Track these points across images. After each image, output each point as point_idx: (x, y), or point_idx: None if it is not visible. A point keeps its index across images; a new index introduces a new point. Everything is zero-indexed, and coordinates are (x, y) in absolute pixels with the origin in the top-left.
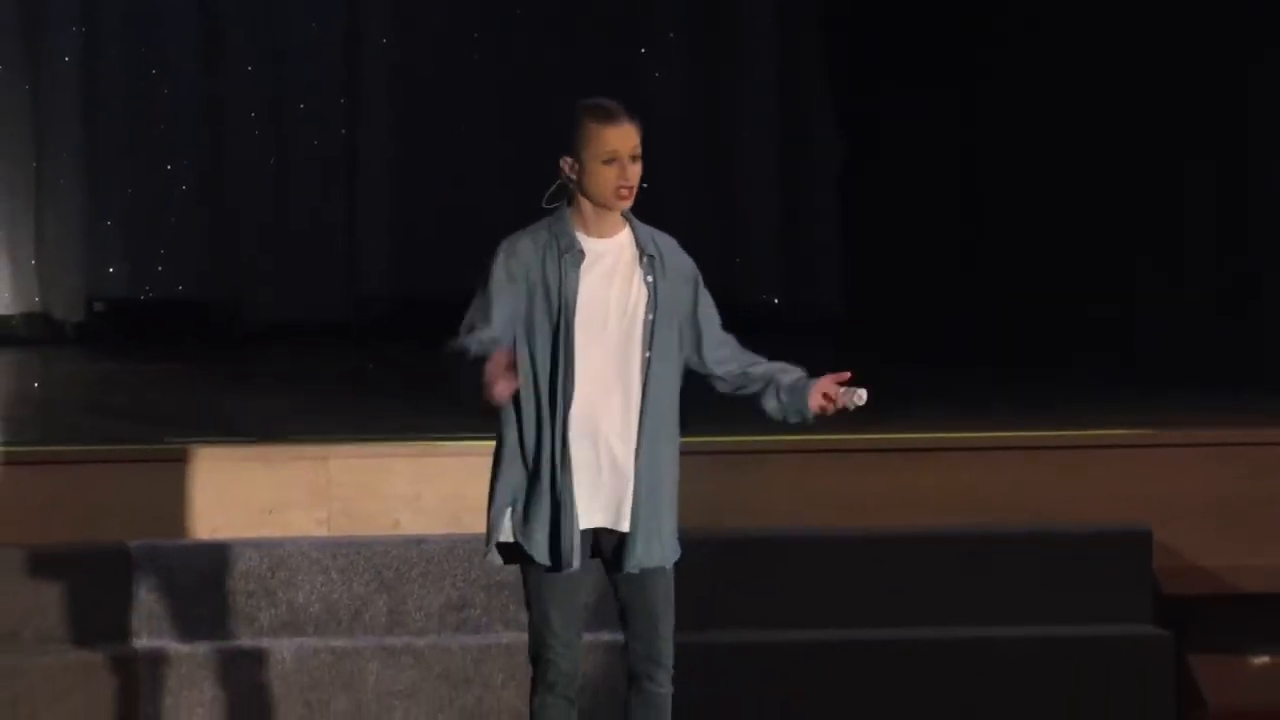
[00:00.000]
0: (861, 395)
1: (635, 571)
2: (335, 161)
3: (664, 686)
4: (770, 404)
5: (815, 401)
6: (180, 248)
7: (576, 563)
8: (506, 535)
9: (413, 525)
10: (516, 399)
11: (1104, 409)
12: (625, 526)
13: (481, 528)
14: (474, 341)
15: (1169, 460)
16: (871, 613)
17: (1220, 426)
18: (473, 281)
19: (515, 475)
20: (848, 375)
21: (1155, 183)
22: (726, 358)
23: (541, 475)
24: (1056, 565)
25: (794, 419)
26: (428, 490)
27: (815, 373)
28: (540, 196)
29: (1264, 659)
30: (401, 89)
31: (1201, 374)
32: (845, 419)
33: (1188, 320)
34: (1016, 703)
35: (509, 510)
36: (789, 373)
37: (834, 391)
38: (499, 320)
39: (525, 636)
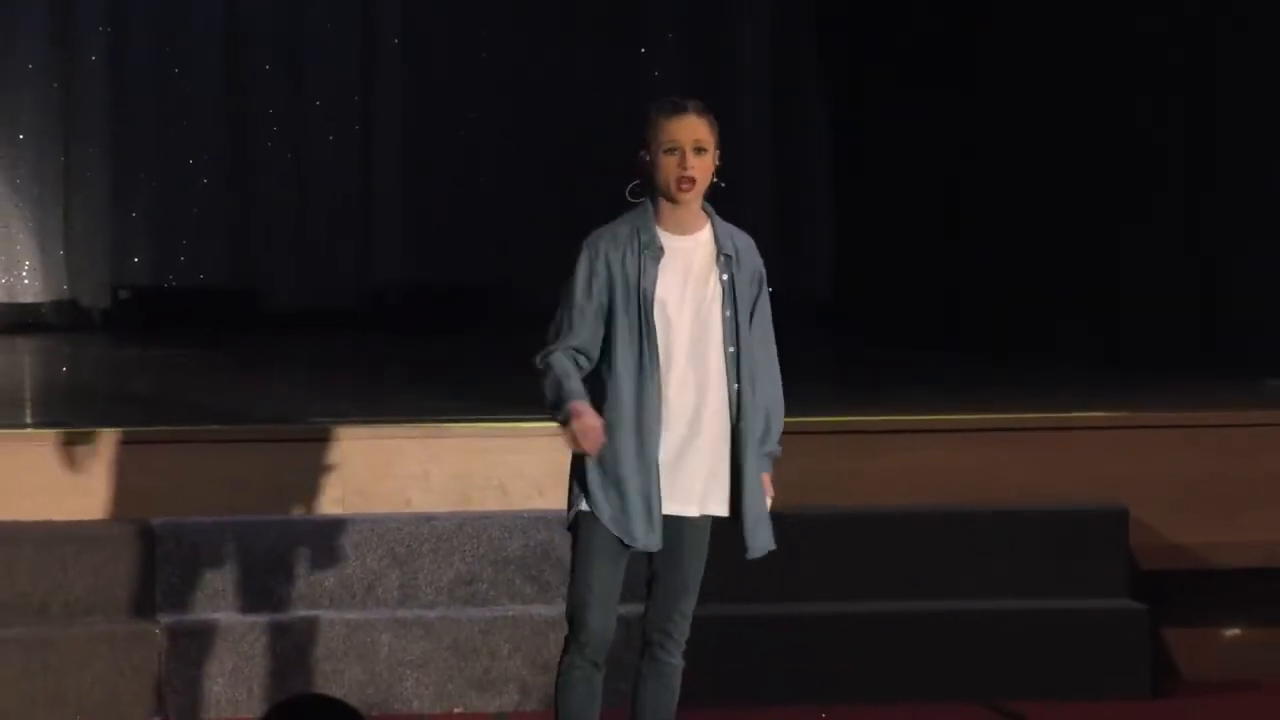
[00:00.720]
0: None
1: (759, 555)
2: (350, 156)
3: (674, 658)
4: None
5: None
6: (201, 238)
7: (656, 545)
8: (586, 506)
9: (423, 503)
10: (609, 387)
11: (1083, 393)
12: (717, 510)
13: (489, 505)
14: (557, 381)
15: (1144, 442)
16: (864, 587)
17: (1192, 410)
18: (481, 272)
19: (607, 455)
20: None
21: (1133, 176)
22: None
23: (633, 461)
24: (1038, 542)
25: None
26: (437, 470)
27: (803, 363)
28: (544, 192)
29: (1235, 631)
30: (413, 87)
31: (1174, 360)
32: (841, 402)
33: (1161, 308)
34: (1000, 672)
35: (594, 485)
36: (764, 443)
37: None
38: (581, 324)
39: (530, 610)
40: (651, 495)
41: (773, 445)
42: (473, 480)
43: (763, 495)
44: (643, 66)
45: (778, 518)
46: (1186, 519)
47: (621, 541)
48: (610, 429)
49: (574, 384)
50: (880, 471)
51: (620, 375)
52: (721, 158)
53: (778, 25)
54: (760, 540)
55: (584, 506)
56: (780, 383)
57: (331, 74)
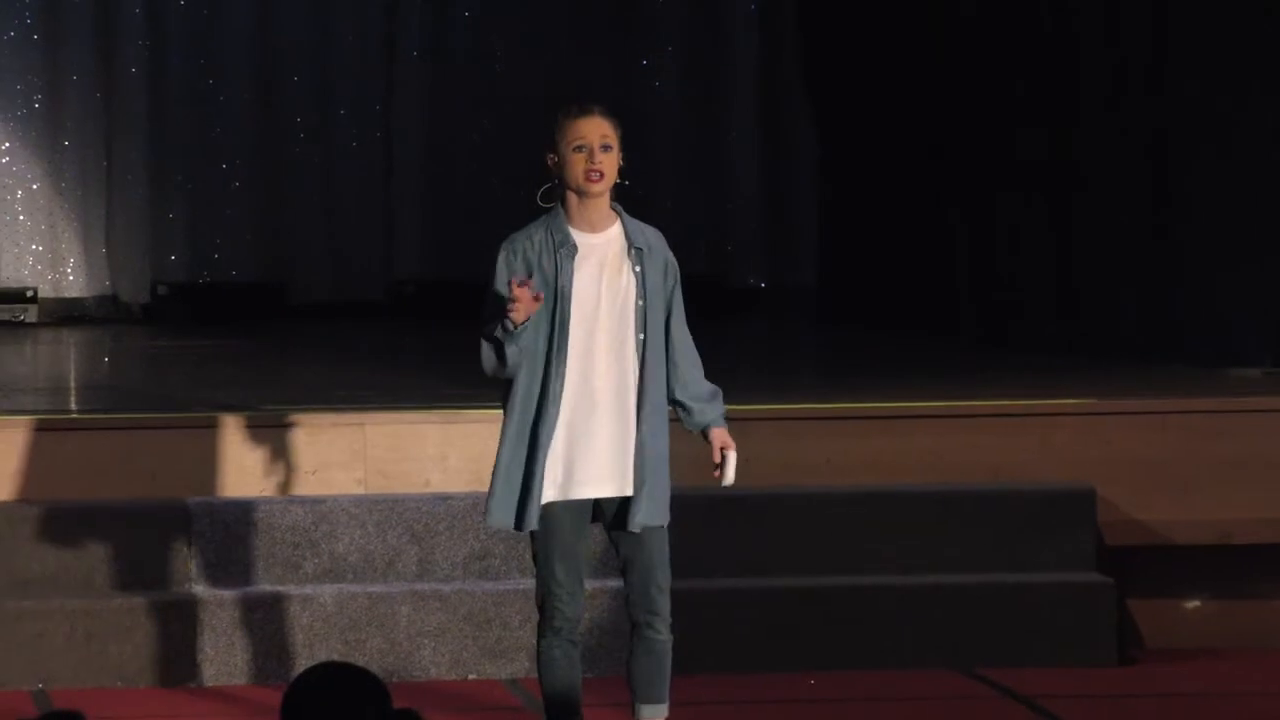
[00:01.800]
0: (729, 478)
1: (637, 530)
2: (372, 161)
3: (662, 634)
4: (683, 417)
5: (714, 454)
6: (234, 237)
7: (532, 523)
8: (497, 501)
9: (440, 484)
10: (516, 383)
11: (1054, 380)
12: (629, 491)
13: None
14: (487, 336)
15: (1111, 427)
16: (846, 562)
17: (1155, 397)
18: (492, 267)
19: (510, 452)
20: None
21: (1098, 171)
22: (676, 352)
23: (538, 450)
24: (1011, 520)
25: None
26: (454, 452)
27: (790, 346)
28: (546, 195)
29: (1195, 603)
30: (430, 98)
31: (1138, 349)
32: (824, 390)
33: (1127, 300)
34: (976, 641)
35: (504, 481)
36: (703, 414)
37: (716, 458)
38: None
39: None
40: (535, 476)
41: (716, 405)
42: (487, 462)
43: (658, 471)
44: (644, 77)
45: (753, 496)
46: (1150, 499)
47: (567, 531)
48: (508, 416)
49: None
50: (863, 454)
51: (534, 364)
52: (707, 150)
53: (765, 39)
54: (643, 514)
55: (493, 502)
56: (699, 361)
57: (355, 85)
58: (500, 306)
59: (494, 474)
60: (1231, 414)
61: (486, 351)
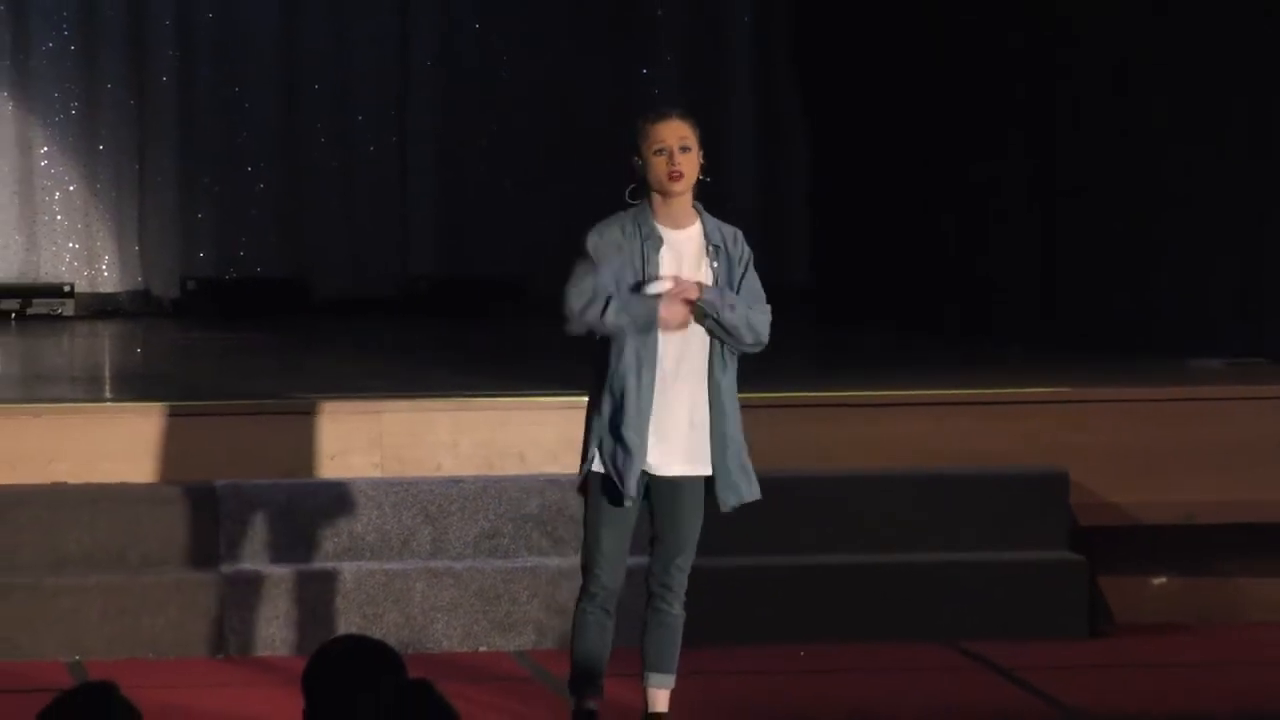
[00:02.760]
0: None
1: (728, 510)
2: (388, 164)
3: (674, 609)
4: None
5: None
6: (259, 236)
7: (634, 500)
8: (596, 466)
9: (452, 468)
10: (617, 367)
11: (1031, 371)
12: (702, 470)
13: (510, 470)
14: (614, 305)
15: (1084, 414)
16: (836, 542)
17: (1125, 386)
18: (502, 265)
19: (605, 424)
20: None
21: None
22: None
23: (627, 426)
24: (990, 501)
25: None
26: (464, 438)
27: (785, 340)
28: (558, 194)
29: (1162, 579)
30: (443, 104)
31: (1111, 342)
32: (817, 380)
33: (1101, 296)
34: (957, 615)
35: (598, 449)
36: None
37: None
38: (605, 274)
39: (548, 561)
40: (638, 452)
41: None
42: (495, 448)
43: (738, 451)
44: (645, 84)
45: (760, 479)
46: (1119, 482)
47: (623, 503)
48: (613, 397)
49: (615, 297)
50: (852, 440)
51: (624, 349)
52: (705, 157)
53: (760, 51)
54: (735, 491)
55: (596, 467)
56: (769, 311)
57: (372, 93)
58: (590, 272)
59: (613, 447)
60: (1196, 402)
61: (613, 314)
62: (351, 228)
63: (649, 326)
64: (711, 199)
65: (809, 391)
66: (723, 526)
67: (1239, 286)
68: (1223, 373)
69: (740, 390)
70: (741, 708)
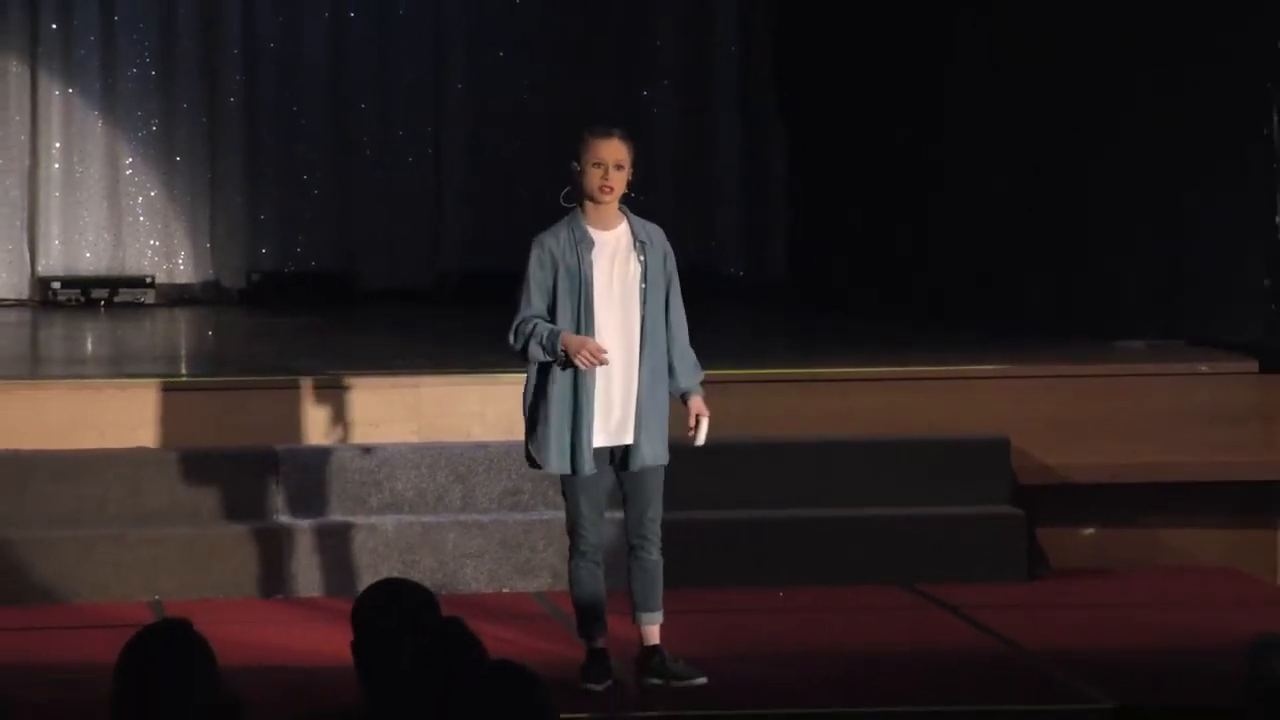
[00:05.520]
0: (701, 440)
1: (637, 470)
2: (424, 174)
3: (653, 555)
4: (670, 380)
5: (690, 419)
6: (314, 234)
7: (589, 469)
8: (541, 451)
9: (480, 434)
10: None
11: (976, 349)
12: (630, 439)
13: None
14: (537, 333)
15: (1023, 388)
16: (806, 497)
17: (1059, 363)
18: (523, 262)
19: (545, 409)
20: (695, 420)
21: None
22: (673, 322)
23: (565, 407)
24: (941, 463)
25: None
26: (490, 409)
27: (762, 323)
28: (568, 197)
29: (1090, 530)
30: (472, 121)
31: (1046, 324)
32: (789, 357)
33: (1037, 282)
34: (912, 562)
35: (541, 434)
36: (685, 380)
37: (692, 422)
38: (538, 300)
39: (562, 514)
40: (584, 430)
41: (696, 376)
42: (517, 416)
43: (658, 421)
44: (644, 103)
45: (733, 444)
46: (1054, 446)
47: (592, 473)
48: (551, 382)
49: (546, 325)
50: (820, 410)
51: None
52: (694, 163)
53: (745, 75)
54: (645, 456)
55: (535, 452)
56: (686, 330)
57: (411, 112)
58: (528, 296)
59: (543, 429)
60: (1121, 378)
61: (532, 346)
62: (392, 228)
63: (547, 354)
64: (701, 202)
65: (786, 369)
66: (707, 485)
67: (1162, 275)
68: (1144, 352)
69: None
70: (724, 641)
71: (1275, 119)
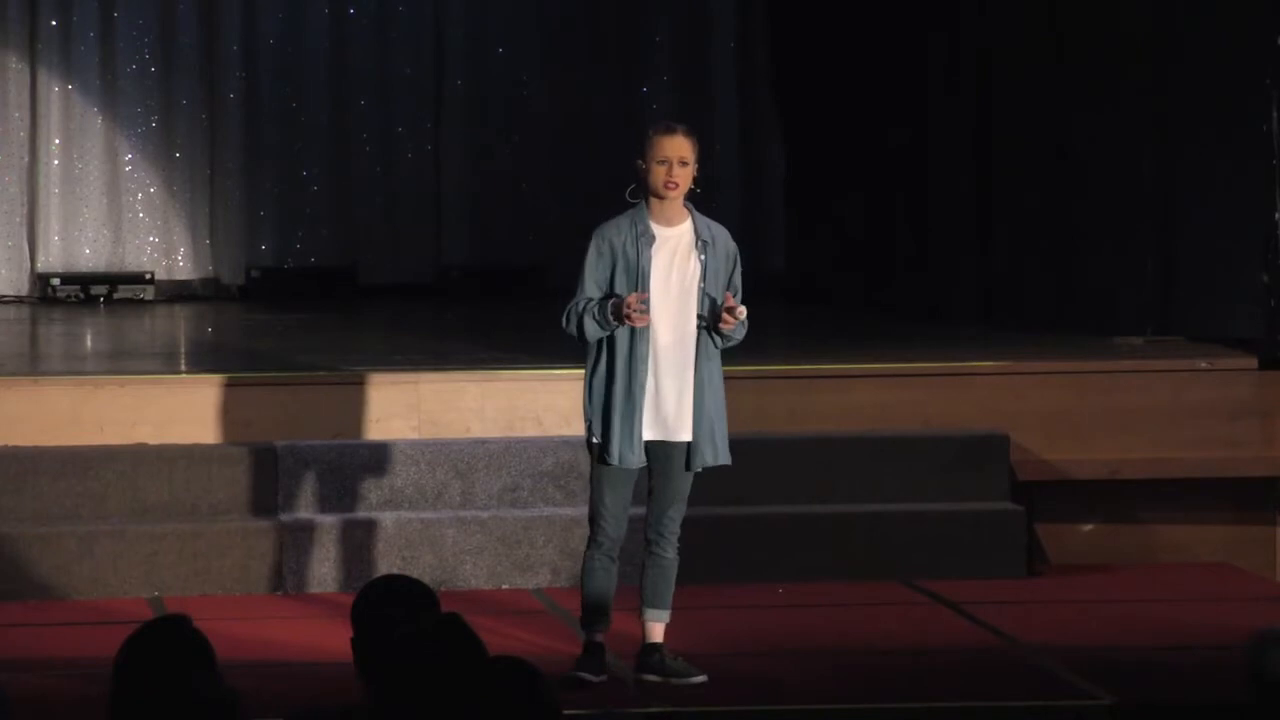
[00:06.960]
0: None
1: (699, 470)
2: (424, 169)
3: (668, 553)
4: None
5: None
6: (313, 230)
7: (633, 461)
8: (597, 437)
9: (479, 430)
10: (613, 348)
11: (976, 346)
12: (685, 437)
13: (529, 432)
14: (589, 310)
15: (1023, 384)
16: (807, 494)
17: (1059, 359)
18: (523, 257)
19: (602, 398)
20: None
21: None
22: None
23: (614, 397)
24: (941, 459)
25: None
26: (490, 405)
27: (762, 318)
28: (570, 194)
29: (1089, 526)
30: (472, 117)
31: (1046, 320)
32: (792, 354)
33: (1037, 279)
34: (912, 558)
35: (597, 420)
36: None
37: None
38: (592, 289)
39: (560, 511)
40: (634, 422)
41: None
42: (516, 413)
43: (717, 420)
44: (645, 100)
45: (733, 441)
46: (1053, 442)
47: (625, 467)
48: (609, 373)
49: (595, 301)
50: (820, 406)
51: (618, 332)
52: (700, 169)
53: (742, 74)
54: (707, 456)
55: (595, 439)
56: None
57: (411, 106)
58: (583, 285)
59: (605, 419)
60: (1119, 373)
61: (586, 322)
62: (392, 223)
63: (609, 326)
64: (702, 192)
65: (786, 365)
66: (709, 481)
67: (1160, 272)
68: (1142, 348)
69: (727, 364)
70: (727, 637)
71: (1274, 115)
